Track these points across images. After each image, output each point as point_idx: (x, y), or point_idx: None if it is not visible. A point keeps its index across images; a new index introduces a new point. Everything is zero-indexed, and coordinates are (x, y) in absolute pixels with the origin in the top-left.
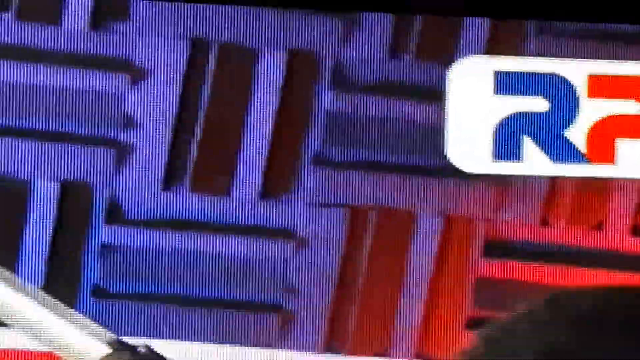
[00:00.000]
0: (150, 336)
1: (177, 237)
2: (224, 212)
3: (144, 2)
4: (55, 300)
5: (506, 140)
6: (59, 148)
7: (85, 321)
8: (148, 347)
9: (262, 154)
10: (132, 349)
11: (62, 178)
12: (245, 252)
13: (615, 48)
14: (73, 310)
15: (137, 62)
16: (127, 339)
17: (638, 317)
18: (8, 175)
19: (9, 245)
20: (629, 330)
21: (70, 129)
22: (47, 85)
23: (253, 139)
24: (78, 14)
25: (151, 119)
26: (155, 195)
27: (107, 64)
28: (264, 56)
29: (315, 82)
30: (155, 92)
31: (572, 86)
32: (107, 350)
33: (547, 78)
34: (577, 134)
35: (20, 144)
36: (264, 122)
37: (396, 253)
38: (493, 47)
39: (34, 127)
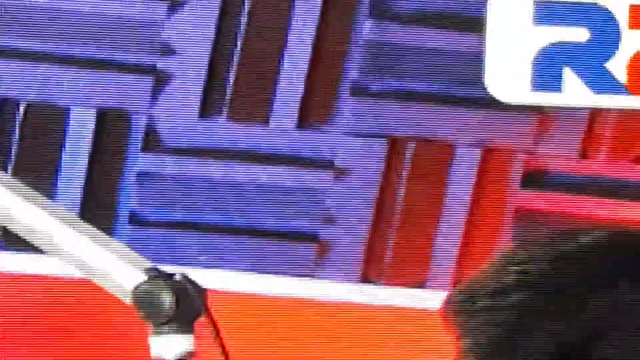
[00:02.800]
0: (186, 264)
1: (213, 166)
2: (262, 141)
3: None
4: (92, 227)
5: (546, 71)
6: (97, 75)
7: (122, 248)
8: (184, 275)
9: (300, 83)
10: (168, 276)
11: (99, 105)
12: (283, 181)
13: None
14: (110, 237)
15: None
16: (162, 267)
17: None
18: (46, 101)
19: (46, 171)
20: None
21: (108, 56)
22: (86, 12)
23: (291, 68)
24: None
25: (189, 46)
26: (193, 124)
27: None
28: None
29: (354, 12)
30: (193, 19)
31: (614, 17)
32: (143, 277)
33: (588, 8)
34: (618, 65)
35: (58, 70)
36: (303, 51)
37: (434, 184)
38: None
39: (72, 54)
